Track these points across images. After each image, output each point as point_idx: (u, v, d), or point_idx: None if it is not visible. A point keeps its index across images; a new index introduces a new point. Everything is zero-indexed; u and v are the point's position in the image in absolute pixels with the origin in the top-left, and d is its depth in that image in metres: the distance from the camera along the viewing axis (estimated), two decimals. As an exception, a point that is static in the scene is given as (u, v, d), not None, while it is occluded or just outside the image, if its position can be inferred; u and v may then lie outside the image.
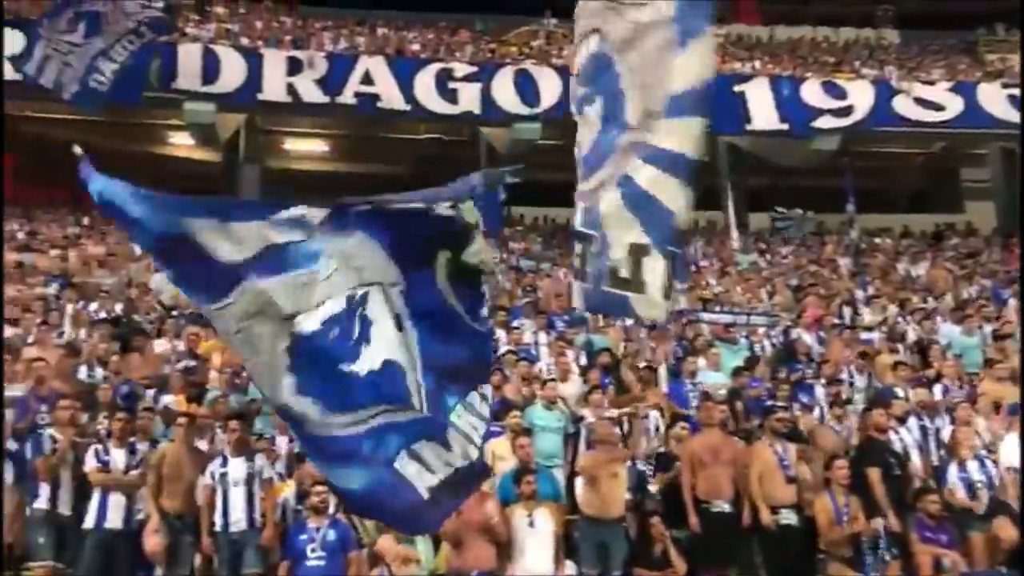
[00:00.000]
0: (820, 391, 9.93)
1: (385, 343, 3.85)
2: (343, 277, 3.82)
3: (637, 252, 4.81)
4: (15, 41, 17.97)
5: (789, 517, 7.37)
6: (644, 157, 4.85)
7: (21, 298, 12.07)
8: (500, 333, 11.55)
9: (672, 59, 4.72)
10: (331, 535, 6.67)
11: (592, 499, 7.44)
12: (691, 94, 4.73)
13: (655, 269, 4.79)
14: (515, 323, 11.81)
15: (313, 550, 6.63)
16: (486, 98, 21.34)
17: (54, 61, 16.20)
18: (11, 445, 7.25)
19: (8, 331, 10.09)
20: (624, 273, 4.88)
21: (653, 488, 7.92)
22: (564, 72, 20.49)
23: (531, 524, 7.05)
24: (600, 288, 5.03)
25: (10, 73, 18.12)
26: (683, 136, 4.77)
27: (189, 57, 20.61)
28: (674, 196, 4.75)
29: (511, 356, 10.15)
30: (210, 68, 20.69)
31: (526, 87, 21.49)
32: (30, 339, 9.99)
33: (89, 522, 6.89)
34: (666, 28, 4.81)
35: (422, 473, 3.84)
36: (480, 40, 24.44)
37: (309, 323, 3.74)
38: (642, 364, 9.92)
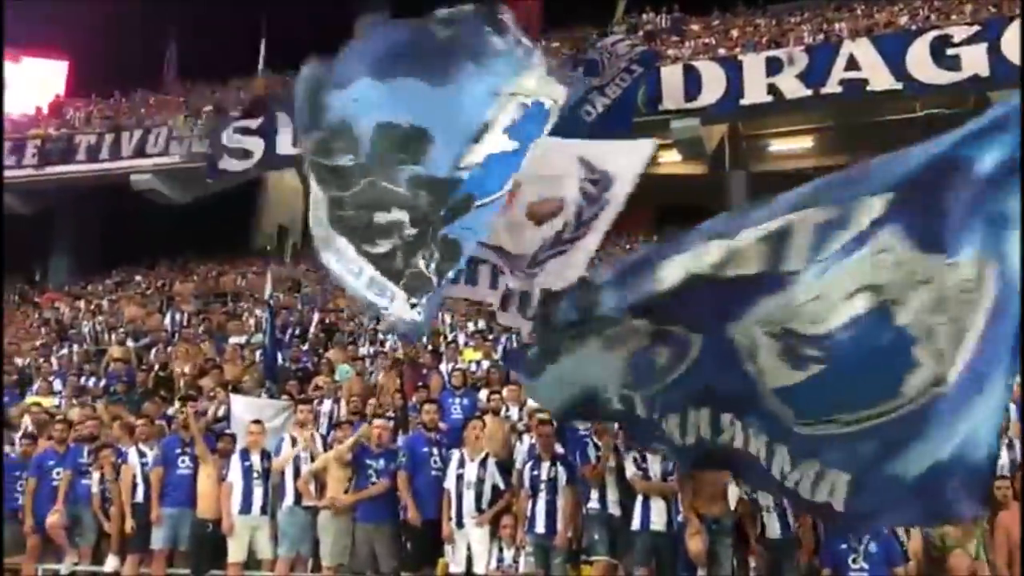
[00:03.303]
0: None
1: None
2: None
3: None
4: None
5: None
6: None
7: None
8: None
9: None
10: (873, 547, 6.38)
11: None
12: None
13: None
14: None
15: (855, 560, 6.40)
16: (996, 57, 18.95)
17: None
18: (559, 450, 8.16)
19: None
20: None
21: None
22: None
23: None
24: None
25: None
26: None
27: (671, 77, 21.62)
28: None
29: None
30: (691, 84, 21.45)
31: (1052, 36, 18.56)
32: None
33: (635, 524, 7.40)
34: None
35: None
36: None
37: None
38: None
